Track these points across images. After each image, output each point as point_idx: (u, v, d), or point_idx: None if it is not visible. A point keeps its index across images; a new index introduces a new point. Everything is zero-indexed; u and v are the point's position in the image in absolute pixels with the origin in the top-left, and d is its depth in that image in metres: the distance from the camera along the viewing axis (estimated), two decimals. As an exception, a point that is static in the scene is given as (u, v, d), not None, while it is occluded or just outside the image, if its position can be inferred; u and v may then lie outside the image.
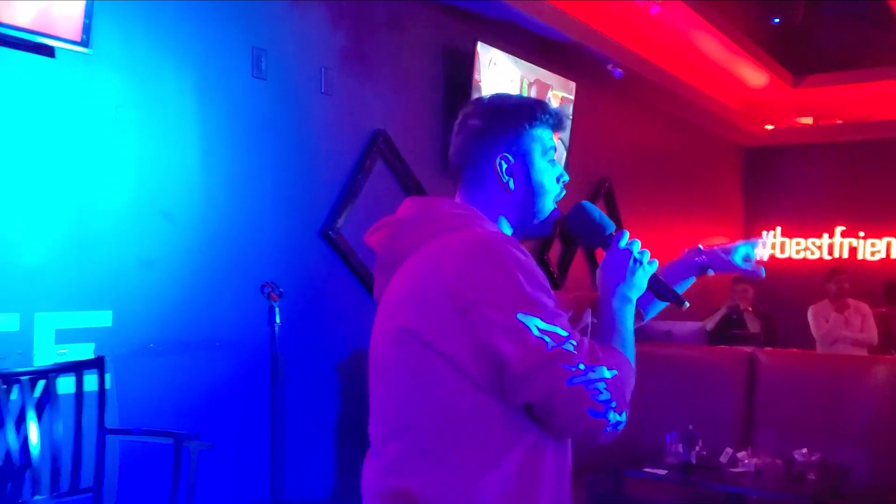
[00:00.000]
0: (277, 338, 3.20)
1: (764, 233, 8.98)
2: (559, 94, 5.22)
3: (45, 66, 2.90)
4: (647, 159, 6.81)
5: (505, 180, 1.41)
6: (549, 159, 1.45)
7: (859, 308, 6.29)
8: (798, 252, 8.94)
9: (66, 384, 2.97)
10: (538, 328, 1.23)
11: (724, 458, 3.44)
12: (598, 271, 1.46)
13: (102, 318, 3.12)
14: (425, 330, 1.26)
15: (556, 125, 1.48)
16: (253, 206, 3.62)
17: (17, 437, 2.77)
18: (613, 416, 1.24)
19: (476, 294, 1.23)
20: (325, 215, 3.93)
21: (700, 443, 3.48)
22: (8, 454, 2.72)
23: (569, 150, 5.29)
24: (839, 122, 7.97)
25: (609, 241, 1.45)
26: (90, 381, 3.01)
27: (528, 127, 1.43)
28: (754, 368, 4.30)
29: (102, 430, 3.02)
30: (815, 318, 6.36)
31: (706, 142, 8.10)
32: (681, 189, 7.43)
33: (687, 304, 1.49)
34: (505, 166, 1.41)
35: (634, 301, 1.43)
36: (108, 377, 3.04)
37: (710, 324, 6.04)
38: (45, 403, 2.90)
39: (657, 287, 1.49)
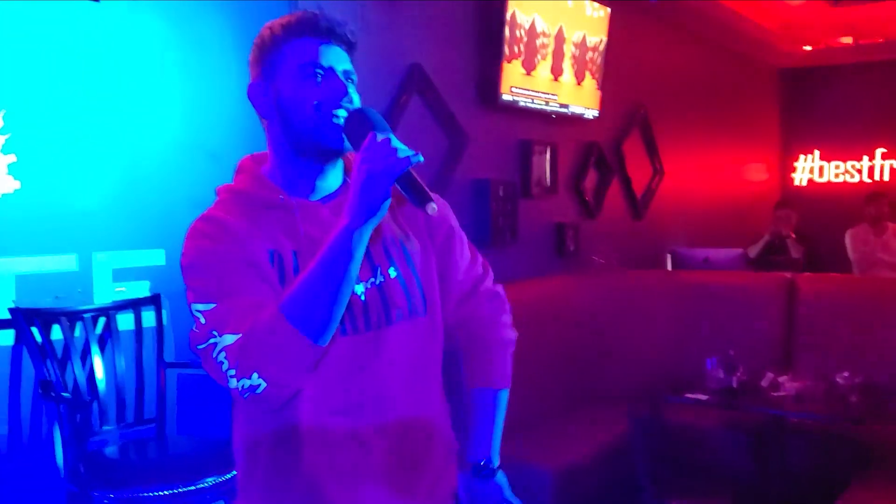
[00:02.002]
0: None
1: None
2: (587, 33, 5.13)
3: (90, 12, 2.94)
4: (682, 85, 6.71)
5: (261, 109, 1.40)
6: (305, 76, 1.34)
7: (898, 231, 6.24)
8: (837, 176, 8.83)
9: (125, 321, 3.09)
10: (196, 309, 1.26)
11: (765, 382, 3.48)
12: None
13: (156, 257, 3.22)
14: None
15: (307, 31, 1.36)
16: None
17: (83, 371, 2.90)
18: (234, 383, 1.21)
19: None
20: (362, 151, 3.96)
21: (741, 368, 3.52)
22: (76, 388, 2.85)
23: (603, 78, 5.24)
24: (880, 40, 7.74)
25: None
26: (148, 318, 3.13)
27: (274, 43, 1.37)
28: (794, 293, 4.32)
29: (161, 364, 3.15)
30: (853, 241, 6.33)
31: (742, 65, 7.94)
32: (717, 113, 7.32)
33: (434, 206, 1.19)
34: (259, 92, 1.39)
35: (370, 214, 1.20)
36: (164, 313, 3.16)
37: (753, 251, 6.04)
38: (107, 339, 3.02)
39: (408, 179, 1.20)
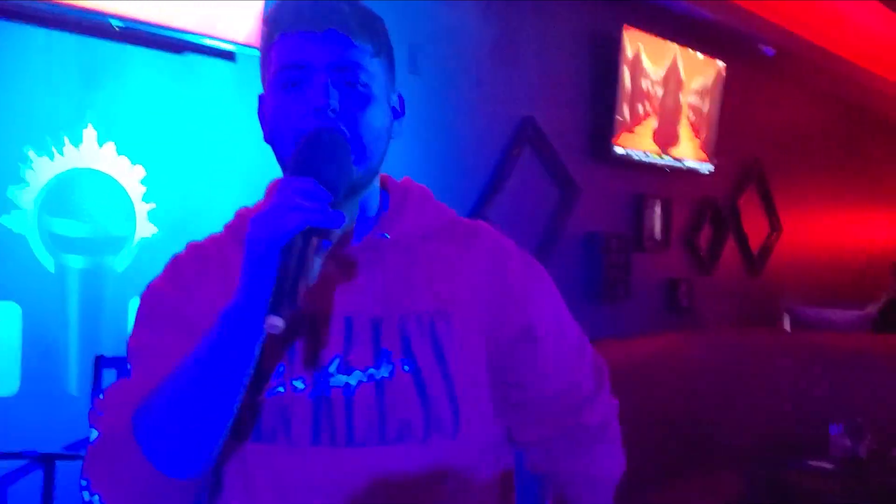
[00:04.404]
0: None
1: None
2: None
3: (226, 69, 3.13)
4: (801, 139, 6.53)
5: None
6: (282, 84, 0.93)
7: None
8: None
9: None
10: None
11: (896, 453, 3.30)
12: None
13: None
14: None
15: (276, 26, 0.93)
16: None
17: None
18: (86, 494, 0.86)
19: None
20: (473, 203, 4.02)
21: (869, 436, 3.35)
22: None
23: (719, 132, 5.16)
24: None
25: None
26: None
27: (264, 45, 0.96)
28: (927, 358, 4.08)
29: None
30: None
31: (865, 119, 7.67)
32: (838, 169, 7.08)
33: (280, 324, 0.75)
34: (260, 111, 1.00)
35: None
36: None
37: (872, 309, 5.79)
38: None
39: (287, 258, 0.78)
